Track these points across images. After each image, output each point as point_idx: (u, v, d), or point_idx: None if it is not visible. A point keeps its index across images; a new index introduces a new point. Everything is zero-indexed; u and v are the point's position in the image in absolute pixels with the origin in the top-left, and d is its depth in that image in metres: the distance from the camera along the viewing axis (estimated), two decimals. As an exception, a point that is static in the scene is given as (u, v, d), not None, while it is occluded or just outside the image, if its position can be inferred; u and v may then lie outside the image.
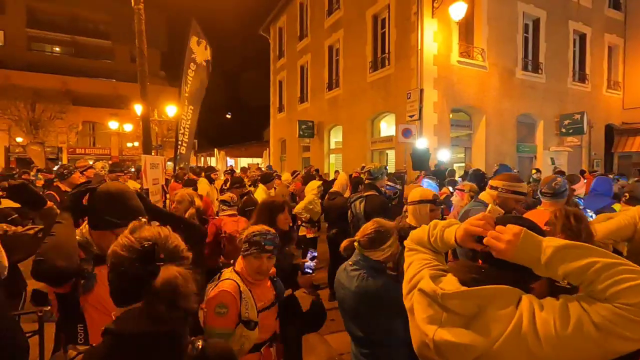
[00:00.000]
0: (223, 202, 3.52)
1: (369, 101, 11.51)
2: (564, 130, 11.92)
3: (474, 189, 2.97)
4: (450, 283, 0.96)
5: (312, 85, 15.50)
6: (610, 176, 7.59)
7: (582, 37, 13.00)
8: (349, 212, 3.50)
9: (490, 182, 2.42)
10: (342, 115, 13.14)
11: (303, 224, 5.27)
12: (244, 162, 25.77)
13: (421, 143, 8.72)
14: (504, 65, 10.83)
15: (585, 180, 4.68)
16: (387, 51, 10.80)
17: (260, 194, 5.51)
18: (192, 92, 9.11)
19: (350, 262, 1.91)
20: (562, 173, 6.49)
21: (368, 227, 1.90)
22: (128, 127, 22.04)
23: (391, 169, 11.18)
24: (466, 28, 10.36)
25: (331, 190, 4.75)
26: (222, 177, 9.42)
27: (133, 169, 11.12)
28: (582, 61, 13.09)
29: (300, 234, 5.54)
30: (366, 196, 3.22)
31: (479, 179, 4.23)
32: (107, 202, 1.46)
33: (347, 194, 4.97)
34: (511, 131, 11.18)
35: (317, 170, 10.96)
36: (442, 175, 6.18)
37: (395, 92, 10.23)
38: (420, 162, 8.36)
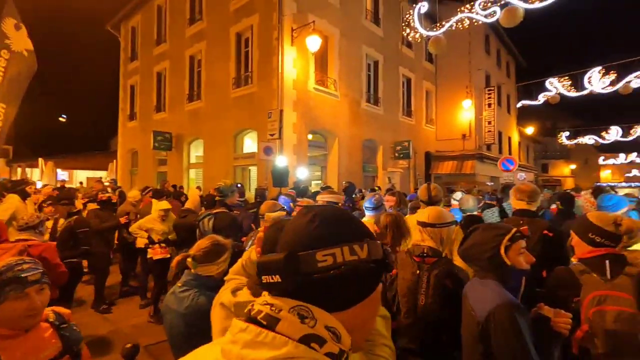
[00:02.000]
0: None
1: (232, 117, 11.43)
2: (396, 154, 14.43)
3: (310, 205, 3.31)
4: (245, 295, 1.04)
5: (170, 94, 14.41)
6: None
7: (409, 81, 16.19)
8: (197, 230, 3.37)
9: (317, 197, 2.78)
10: (204, 128, 12.62)
11: (149, 246, 4.75)
12: (82, 175, 21.72)
13: (281, 161, 9.13)
14: (352, 96, 12.49)
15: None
16: (250, 70, 11.03)
17: (154, 211, 4.94)
18: (5, 87, 7.22)
19: (179, 284, 1.84)
20: (392, 189, 7.80)
21: (204, 242, 1.91)
22: None
23: (254, 185, 11.30)
24: (322, 59, 11.55)
25: (183, 207, 4.46)
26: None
27: None
28: (409, 100, 16.24)
29: (147, 256, 4.98)
30: (215, 213, 3.16)
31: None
32: None
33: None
34: (358, 153, 12.87)
35: (174, 186, 10.14)
36: (302, 192, 6.58)
37: (258, 110, 10.48)
38: (280, 179, 8.73)
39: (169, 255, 4.56)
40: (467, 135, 17.25)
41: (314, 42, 9.63)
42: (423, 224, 1.98)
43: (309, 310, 0.56)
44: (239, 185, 5.07)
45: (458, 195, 4.54)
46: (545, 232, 2.42)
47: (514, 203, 2.86)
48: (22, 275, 1.38)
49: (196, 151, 13.98)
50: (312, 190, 10.65)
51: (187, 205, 4.74)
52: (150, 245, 4.63)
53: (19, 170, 25.09)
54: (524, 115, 25.79)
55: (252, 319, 0.56)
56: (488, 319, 1.40)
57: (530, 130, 26.83)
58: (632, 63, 12.90)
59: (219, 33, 11.98)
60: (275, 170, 8.78)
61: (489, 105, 17.82)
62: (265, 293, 0.62)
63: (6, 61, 6.50)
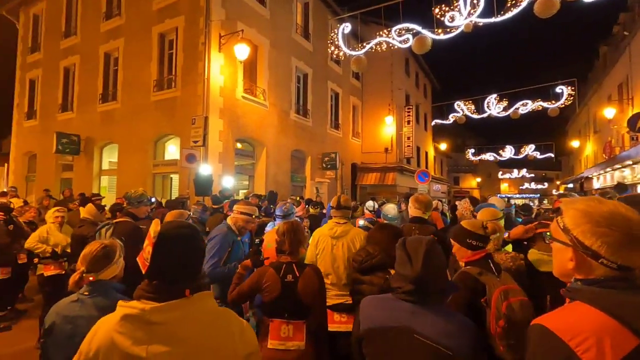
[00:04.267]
0: None
1: (152, 121, 10.72)
2: (324, 165, 14.89)
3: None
4: (139, 304, 1.11)
5: (80, 92, 13.02)
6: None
7: (337, 95, 16.91)
8: (96, 242, 3.09)
9: (234, 207, 2.77)
10: (118, 132, 11.61)
11: (41, 260, 4.20)
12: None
13: (205, 169, 8.82)
14: (281, 107, 12.62)
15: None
16: (174, 73, 10.51)
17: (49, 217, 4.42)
18: None
19: (85, 292, 1.72)
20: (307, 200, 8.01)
21: (89, 251, 1.83)
22: None
23: (175, 193, 10.70)
24: (250, 68, 11.50)
25: (82, 217, 4.05)
26: None
27: None
28: (337, 113, 16.94)
29: (37, 272, 4.40)
30: (116, 223, 2.94)
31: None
32: None
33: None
34: (287, 163, 12.99)
35: (82, 195, 9.13)
36: (217, 200, 6.38)
37: (181, 115, 10.01)
38: (202, 188, 8.41)
39: (63, 272, 4.02)
40: (389, 149, 18.52)
41: (242, 51, 9.56)
42: None
43: None
44: (153, 199, 4.74)
45: (370, 204, 4.85)
46: (432, 236, 2.74)
47: (411, 211, 3.17)
48: None
49: (110, 157, 12.78)
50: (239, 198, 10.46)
51: (85, 214, 4.29)
52: (44, 260, 4.08)
53: None
54: (439, 133, 28.64)
55: None
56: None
57: (443, 146, 29.84)
58: (519, 93, 15.27)
59: (139, 32, 11.24)
60: (198, 179, 8.45)
61: (408, 122, 19.43)
62: None
63: None
